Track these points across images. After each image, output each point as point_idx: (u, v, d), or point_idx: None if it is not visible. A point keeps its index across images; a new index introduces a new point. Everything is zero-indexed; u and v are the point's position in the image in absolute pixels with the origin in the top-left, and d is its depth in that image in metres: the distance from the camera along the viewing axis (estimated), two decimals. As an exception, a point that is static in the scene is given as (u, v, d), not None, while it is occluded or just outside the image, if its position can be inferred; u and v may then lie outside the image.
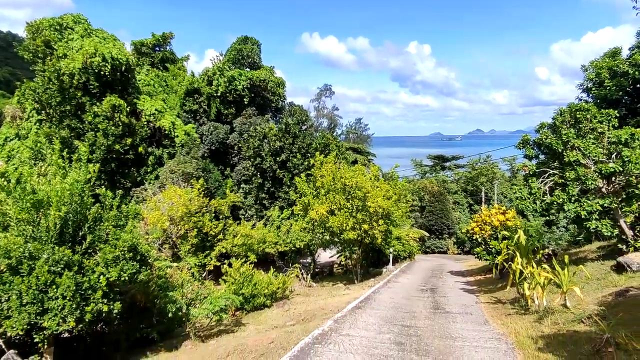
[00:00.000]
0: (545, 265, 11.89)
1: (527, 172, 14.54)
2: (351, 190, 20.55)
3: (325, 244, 24.28)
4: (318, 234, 23.60)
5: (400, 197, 22.09)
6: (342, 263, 32.95)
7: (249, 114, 37.76)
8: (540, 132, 14.86)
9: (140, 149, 32.24)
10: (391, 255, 27.16)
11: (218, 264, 20.65)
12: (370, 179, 22.07)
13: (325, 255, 31.45)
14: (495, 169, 64.58)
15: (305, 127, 35.94)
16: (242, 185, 33.00)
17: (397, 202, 21.56)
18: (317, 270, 30.17)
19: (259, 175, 31.61)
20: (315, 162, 23.58)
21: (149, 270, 11.04)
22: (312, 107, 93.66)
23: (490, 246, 18.30)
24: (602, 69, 20.67)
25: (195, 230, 21.50)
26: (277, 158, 31.37)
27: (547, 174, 14.13)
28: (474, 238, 19.60)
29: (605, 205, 13.02)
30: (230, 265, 16.95)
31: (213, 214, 24.00)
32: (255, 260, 21.25)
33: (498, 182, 58.43)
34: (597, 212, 13.08)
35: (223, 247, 22.47)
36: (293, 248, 25.81)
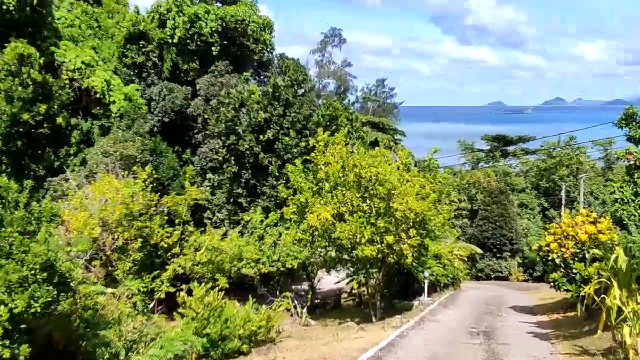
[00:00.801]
0: (654, 300, 11.84)
1: (632, 162, 14.47)
2: (369, 186, 20.46)
3: (330, 264, 24.22)
4: (319, 249, 23.50)
5: (442, 196, 22.01)
6: (353, 292, 32.98)
7: (219, 70, 37.61)
8: (652, 103, 14.79)
9: (60, 119, 32.19)
10: (426, 281, 27.17)
11: (172, 290, 20.56)
12: (398, 168, 21.95)
13: (329, 280, 31.45)
14: (583, 157, 64.43)
15: (303, 90, 35.78)
16: (208, 176, 33.01)
17: (437, 204, 21.48)
18: (317, 301, 30.19)
19: (233, 161, 31.53)
20: (317, 142, 23.40)
21: (71, 299, 11.06)
22: (314, 61, 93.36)
23: (574, 270, 18.26)
24: None
25: (140, 240, 21.48)
26: (261, 136, 31.27)
27: (660, 166, 14.07)
28: (549, 258, 19.57)
29: None
30: (190, 292, 16.94)
31: (166, 217, 23.97)
32: (227, 285, 21.21)
33: (585, 177, 58.33)
34: None
35: (180, 266, 22.46)
36: (282, 269, 25.80)
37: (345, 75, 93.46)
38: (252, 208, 30.41)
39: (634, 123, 15.19)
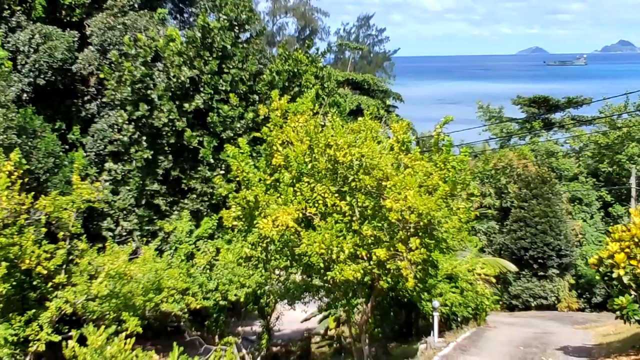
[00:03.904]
0: None
1: None
2: (350, 175, 20.52)
3: (294, 293, 24.26)
4: (277, 271, 23.62)
5: (457, 188, 22.18)
6: (330, 333, 33.16)
7: (120, 5, 37.21)
8: None
9: None
10: (436, 315, 27.43)
11: (57, 338, 20.33)
12: (392, 149, 22.03)
13: (293, 318, 31.57)
14: (661, 127, 65.64)
15: (248, 35, 35.65)
16: (108, 166, 32.81)
17: (450, 200, 21.65)
18: (275, 349, 30.30)
19: (145, 143, 31.32)
20: (271, 112, 23.44)
21: None
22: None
23: (650, 293, 18.65)
24: None
25: (4, 265, 21.22)
26: (186, 104, 31.10)
27: None
28: (613, 276, 19.94)
29: None
30: (83, 341, 16.81)
31: (44, 230, 23.70)
32: (140, 329, 21.07)
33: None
34: None
35: (67, 303, 22.22)
36: (223, 302, 25.83)
37: (312, 11, 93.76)
38: (176, 213, 30.33)
39: None
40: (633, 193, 57.95)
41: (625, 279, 19.24)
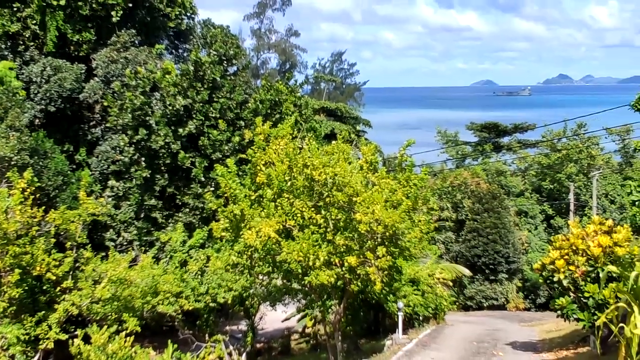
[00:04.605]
0: (684, 329, 12.27)
1: (652, 155, 15.00)
2: (324, 192, 20.49)
3: (276, 296, 24.17)
4: (261, 276, 23.48)
5: (418, 203, 22.23)
6: (307, 331, 33.03)
7: (123, 42, 37.13)
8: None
9: None
10: (400, 314, 27.42)
11: (64, 337, 20.19)
12: (361, 169, 22.05)
13: (274, 317, 31.40)
14: (595, 150, 66.39)
15: (235, 69, 35.66)
16: (110, 183, 32.61)
17: (412, 213, 21.69)
18: (259, 345, 30.11)
19: (144, 163, 31.16)
20: (255, 136, 23.41)
21: None
22: (249, 30, 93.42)
23: (586, 294, 18.73)
24: None
25: (18, 271, 20.98)
26: (180, 129, 31.01)
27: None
28: (554, 279, 20.00)
29: None
30: (87, 339, 16.61)
31: (53, 240, 23.47)
32: (139, 328, 20.87)
33: (599, 175, 60.12)
34: None
35: (73, 305, 21.97)
36: (212, 304, 25.66)
37: (291, 47, 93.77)
38: (171, 225, 30.13)
39: (654, 105, 15.74)
40: (571, 207, 58.50)
41: (565, 282, 19.35)
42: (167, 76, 31.90)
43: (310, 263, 19.94)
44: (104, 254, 25.43)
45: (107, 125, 34.23)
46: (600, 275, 17.85)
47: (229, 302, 26.02)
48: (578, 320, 19.11)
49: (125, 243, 31.07)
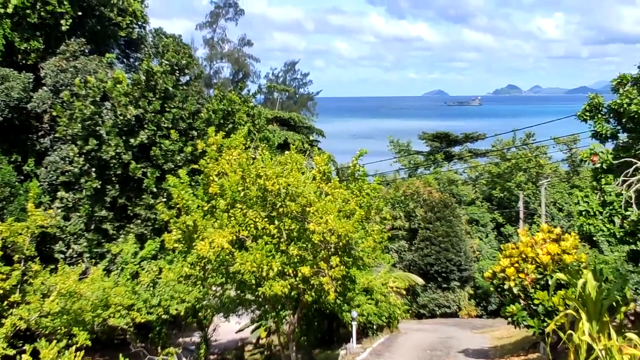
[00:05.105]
0: (631, 335, 12.56)
1: (598, 164, 15.33)
2: (278, 202, 20.48)
3: (229, 307, 24.03)
4: (214, 287, 23.36)
5: (371, 212, 22.35)
6: (261, 342, 32.86)
7: (72, 51, 36.62)
8: (620, 91, 15.73)
9: None
10: (354, 324, 27.51)
11: (12, 352, 19.87)
12: (314, 179, 22.11)
13: (228, 329, 31.22)
14: (543, 159, 67.70)
15: (188, 78, 35.47)
16: (60, 194, 32.11)
17: (365, 223, 21.80)
18: (213, 357, 29.83)
19: (94, 174, 30.77)
20: (208, 147, 23.33)
21: None
22: (202, 39, 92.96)
23: (536, 301, 19.04)
24: None
25: (-37, 285, 20.56)
26: (132, 139, 30.69)
27: (632, 168, 14.99)
28: (505, 287, 20.29)
29: None
30: (36, 354, 16.29)
31: (0, 252, 23.02)
32: (89, 342, 20.57)
33: (547, 184, 61.24)
34: None
35: (21, 319, 21.60)
36: (165, 316, 25.38)
37: (244, 57, 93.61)
38: (122, 236, 29.77)
39: (599, 115, 16.13)
40: (521, 215, 59.47)
41: (515, 290, 19.64)
42: (118, 85, 31.53)
43: (264, 274, 19.93)
44: (53, 266, 25.13)
45: (56, 135, 33.68)
46: (550, 282, 18.17)
47: (182, 313, 25.76)
48: (528, 327, 19.42)
49: (75, 255, 30.64)
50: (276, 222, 20.61)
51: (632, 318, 18.49)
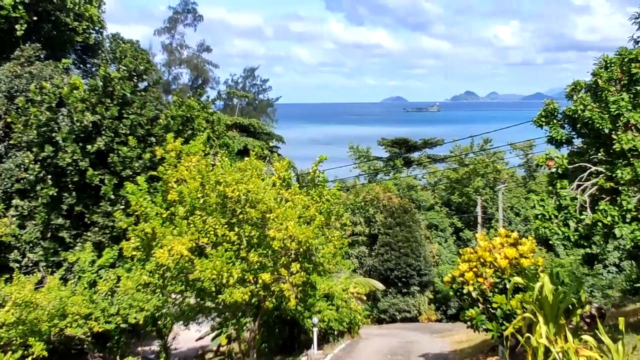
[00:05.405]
0: (586, 337, 12.78)
1: (554, 169, 15.58)
2: (237, 209, 20.43)
3: (189, 314, 23.82)
4: (173, 295, 23.17)
5: (331, 218, 22.42)
6: (222, 349, 32.61)
7: (27, 56, 36.10)
8: (575, 97, 16.03)
9: None
10: (315, 330, 27.52)
11: (-36, 364, 19.51)
12: (274, 185, 22.11)
13: (188, 337, 30.97)
14: (500, 165, 68.66)
15: (146, 84, 35.17)
16: (15, 202, 31.51)
17: (325, 229, 21.85)
18: (172, 365, 29.57)
19: (50, 181, 30.31)
20: (167, 153, 23.18)
21: None
22: (160, 45, 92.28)
23: (494, 305, 19.25)
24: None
25: None
26: (89, 146, 30.30)
27: (587, 173, 15.28)
28: (464, 291, 20.46)
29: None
30: (-10, 366, 16.01)
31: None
32: (46, 353, 20.24)
33: (504, 188, 62.10)
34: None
35: (-25, 330, 21.23)
36: (123, 325, 25.16)
37: (203, 63, 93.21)
38: (79, 245, 29.33)
39: (555, 121, 16.39)
40: (479, 220, 60.21)
41: (474, 294, 19.81)
42: (74, 91, 31.11)
43: (224, 281, 19.90)
44: (8, 276, 24.85)
45: (11, 142, 33.14)
46: (507, 286, 18.40)
47: (141, 322, 25.58)
48: (487, 330, 19.60)
49: (30, 264, 30.10)
50: (236, 229, 20.59)
51: (587, 320, 18.81)
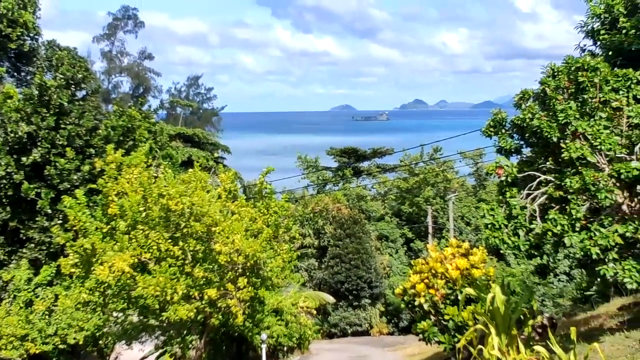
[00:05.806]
0: (538, 347, 12.99)
1: (503, 178, 15.83)
2: (182, 222, 20.30)
3: (132, 333, 23.52)
4: (115, 313, 22.86)
5: (279, 231, 22.42)
6: (166, 369, 32.24)
7: (-43, 64, 35.21)
8: (523, 106, 16.32)
9: None
10: (264, 346, 27.36)
11: None
12: (220, 197, 22.02)
13: (131, 357, 30.54)
14: (450, 174, 69.54)
15: (84, 93, 34.67)
16: (-57, 218, 30.62)
17: (273, 242, 21.83)
18: (114, 387, 29.12)
19: (-18, 196, 29.66)
20: (107, 165, 22.90)
21: None
22: (99, 52, 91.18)
23: (446, 317, 19.44)
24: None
25: None
26: (24, 158, 29.74)
27: (536, 181, 15.56)
28: (415, 303, 20.64)
29: (627, 234, 14.76)
30: None
31: None
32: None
33: (454, 198, 62.92)
34: (616, 248, 14.76)
35: None
36: (62, 346, 24.76)
37: (145, 71, 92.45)
38: (14, 262, 28.69)
39: (503, 130, 16.62)
40: (430, 230, 60.90)
41: (426, 306, 20.01)
42: (8, 101, 30.50)
43: (168, 297, 19.75)
44: None
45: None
46: (459, 297, 18.62)
47: (81, 342, 25.15)
48: (439, 343, 19.80)
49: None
50: (180, 243, 20.45)
51: (539, 330, 19.13)
